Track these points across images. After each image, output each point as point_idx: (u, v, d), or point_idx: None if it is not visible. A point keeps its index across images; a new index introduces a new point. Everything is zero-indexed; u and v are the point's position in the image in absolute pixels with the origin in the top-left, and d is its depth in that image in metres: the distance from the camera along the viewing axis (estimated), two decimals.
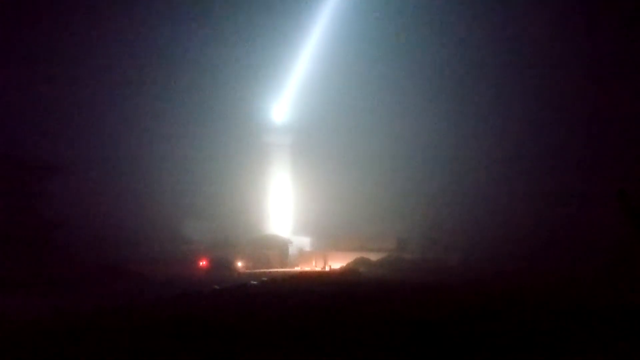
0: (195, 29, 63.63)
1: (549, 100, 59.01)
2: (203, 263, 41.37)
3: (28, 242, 25.61)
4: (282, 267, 48.25)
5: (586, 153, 54.98)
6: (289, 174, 63.15)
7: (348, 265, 45.08)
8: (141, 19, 59.97)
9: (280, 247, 54.28)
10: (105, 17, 56.56)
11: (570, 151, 56.23)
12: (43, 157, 32.11)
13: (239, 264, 45.27)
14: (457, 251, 45.74)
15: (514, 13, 60.42)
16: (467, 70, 63.66)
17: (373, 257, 46.94)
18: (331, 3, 66.26)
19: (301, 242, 58.19)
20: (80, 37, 55.85)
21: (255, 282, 27.46)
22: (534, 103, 59.20)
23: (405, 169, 60.19)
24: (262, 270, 43.79)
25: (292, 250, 55.49)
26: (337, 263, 47.38)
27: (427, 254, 46.12)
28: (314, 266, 49.54)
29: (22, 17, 54.96)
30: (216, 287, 23.39)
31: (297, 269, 47.87)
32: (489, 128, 59.80)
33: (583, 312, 14.50)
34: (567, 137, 56.91)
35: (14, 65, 52.71)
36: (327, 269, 46.58)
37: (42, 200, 27.46)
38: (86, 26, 55.69)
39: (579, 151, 55.61)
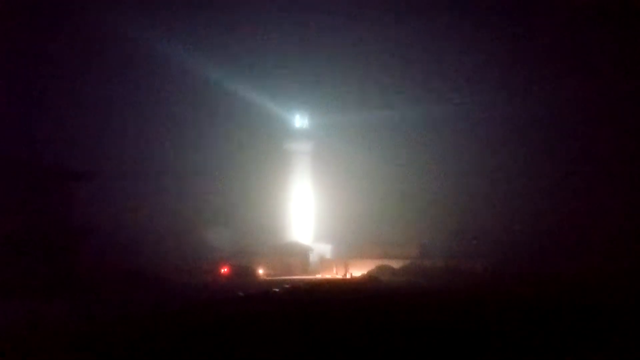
0: (217, 36, 64.41)
1: (573, 102, 58.25)
2: (225, 270, 41.51)
3: (56, 248, 26.00)
4: (303, 275, 48.17)
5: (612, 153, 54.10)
6: (310, 181, 63.21)
7: (370, 272, 44.80)
8: (163, 27, 60.93)
9: (302, 255, 54.25)
10: (130, 22, 57.56)
11: (599, 152, 55.39)
12: (71, 165, 32.69)
13: (261, 271, 45.34)
14: (482, 257, 45.10)
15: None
16: (490, 75, 63.26)
17: (395, 264, 46.59)
18: (358, 12, 66.62)
19: (322, 249, 58.09)
20: (109, 47, 57.00)
21: (277, 290, 27.38)
22: (559, 105, 58.45)
23: (427, 174, 59.85)
24: (283, 277, 43.76)
25: (313, 257, 55.41)
26: (358, 270, 47.13)
27: (450, 260, 45.58)
28: (335, 274, 49.37)
29: (49, 24, 56.30)
30: (240, 294, 23.39)
31: (319, 276, 47.75)
32: (515, 130, 59.20)
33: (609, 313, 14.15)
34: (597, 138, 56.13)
35: (44, 73, 54.02)
36: (348, 276, 46.37)
37: (69, 207, 27.89)
38: (115, 35, 56.77)
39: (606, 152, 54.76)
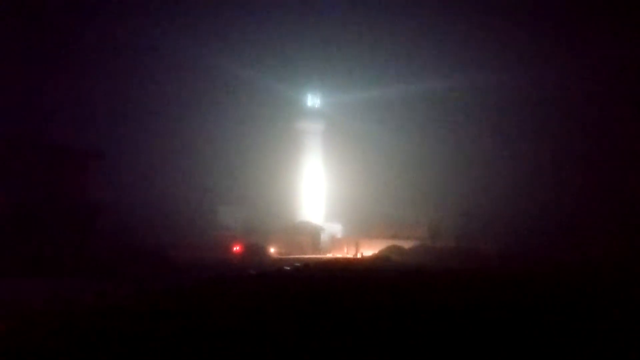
0: (229, 17, 63.97)
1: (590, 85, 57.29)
2: (237, 249, 41.90)
3: (69, 226, 26.35)
4: (314, 254, 48.52)
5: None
6: (322, 161, 63.19)
7: (380, 252, 44.98)
8: (178, 9, 60.60)
9: (313, 234, 54.55)
10: (145, 5, 57.36)
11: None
12: (85, 143, 33.01)
13: (272, 250, 45.70)
14: (494, 239, 44.92)
15: None
16: (505, 52, 62.25)
17: (405, 244, 46.68)
18: None
19: (333, 229, 58.37)
20: (123, 30, 56.91)
21: (288, 268, 27.65)
22: (575, 87, 57.54)
23: (438, 155, 59.51)
24: (294, 256, 44.12)
25: (324, 237, 55.71)
26: (368, 250, 47.35)
27: (462, 242, 45.51)
28: (345, 253, 49.64)
29: (66, 13, 56.34)
30: (252, 272, 23.64)
31: (329, 255, 48.10)
32: (528, 110, 58.48)
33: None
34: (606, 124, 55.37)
35: (60, 54, 54.21)
36: (359, 256, 46.61)
37: (83, 185, 28.22)
38: (129, 18, 56.68)
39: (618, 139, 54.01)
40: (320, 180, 62.79)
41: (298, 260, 36.67)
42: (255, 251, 42.07)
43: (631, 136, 52.35)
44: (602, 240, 39.47)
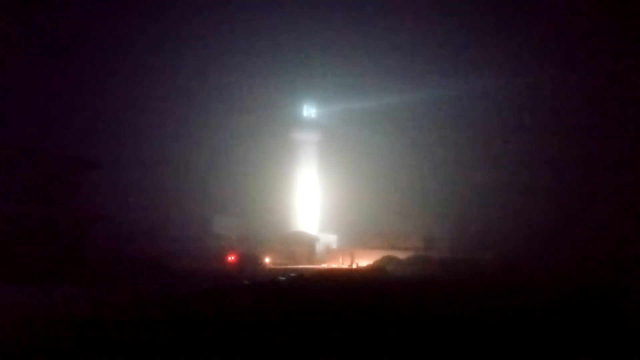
0: (227, 28, 64.38)
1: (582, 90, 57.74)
2: (232, 258, 41.79)
3: (65, 235, 26.36)
4: (309, 264, 48.40)
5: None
6: (317, 171, 63.23)
7: (375, 263, 44.92)
8: (175, 20, 60.94)
9: (308, 244, 54.44)
10: (142, 13, 57.65)
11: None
12: (80, 153, 33.04)
13: (267, 259, 45.59)
14: (489, 250, 45.03)
15: None
16: (496, 63, 62.80)
17: (401, 255, 46.65)
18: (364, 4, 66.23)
19: (328, 239, 58.25)
20: (120, 37, 57.15)
21: (283, 278, 27.62)
22: (567, 94, 57.97)
23: (433, 166, 59.73)
24: (289, 266, 44.02)
25: (319, 247, 55.60)
26: (364, 261, 47.27)
27: (457, 252, 45.57)
28: (340, 263, 49.55)
29: (63, 19, 56.50)
30: (246, 282, 23.65)
31: (324, 266, 48.00)
32: (521, 120, 58.84)
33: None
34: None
35: (56, 64, 54.34)
36: (354, 266, 46.55)
37: (79, 195, 28.23)
38: (127, 26, 56.95)
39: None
40: (316, 190, 62.80)
41: (293, 270, 36.60)
42: (249, 261, 41.91)
43: (631, 140, 52.73)
44: (599, 249, 39.65)
